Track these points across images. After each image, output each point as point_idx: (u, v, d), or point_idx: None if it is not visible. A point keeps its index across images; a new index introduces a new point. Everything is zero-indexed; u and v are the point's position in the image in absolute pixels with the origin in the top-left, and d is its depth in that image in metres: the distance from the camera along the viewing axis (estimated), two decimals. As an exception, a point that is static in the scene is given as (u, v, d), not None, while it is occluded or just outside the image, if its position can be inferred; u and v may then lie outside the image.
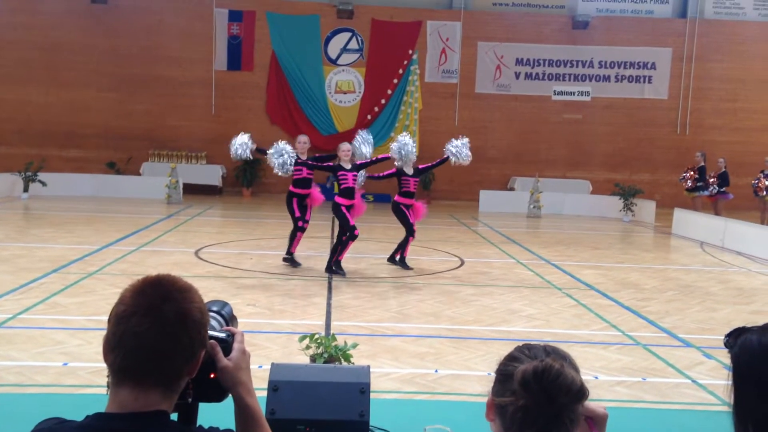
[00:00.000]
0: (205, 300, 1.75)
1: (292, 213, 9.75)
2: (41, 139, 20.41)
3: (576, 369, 1.47)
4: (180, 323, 1.42)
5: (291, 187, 9.80)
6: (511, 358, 1.50)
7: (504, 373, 1.48)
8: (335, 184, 9.91)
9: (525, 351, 1.50)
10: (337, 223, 9.75)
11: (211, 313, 1.69)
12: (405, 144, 9.83)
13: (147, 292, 1.44)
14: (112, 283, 8.05)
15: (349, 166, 9.47)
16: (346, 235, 9.29)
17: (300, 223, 9.71)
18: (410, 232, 9.84)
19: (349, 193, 9.42)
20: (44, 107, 20.65)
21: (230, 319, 1.72)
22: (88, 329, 6.16)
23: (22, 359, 5.41)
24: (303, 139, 10.08)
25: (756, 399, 1.50)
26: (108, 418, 1.39)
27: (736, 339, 1.58)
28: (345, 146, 9.64)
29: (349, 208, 9.40)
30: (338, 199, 9.44)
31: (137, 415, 1.38)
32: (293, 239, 9.77)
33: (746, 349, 1.54)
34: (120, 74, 20.76)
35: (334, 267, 9.31)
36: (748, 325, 1.62)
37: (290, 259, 9.79)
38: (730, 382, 1.56)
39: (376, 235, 10.94)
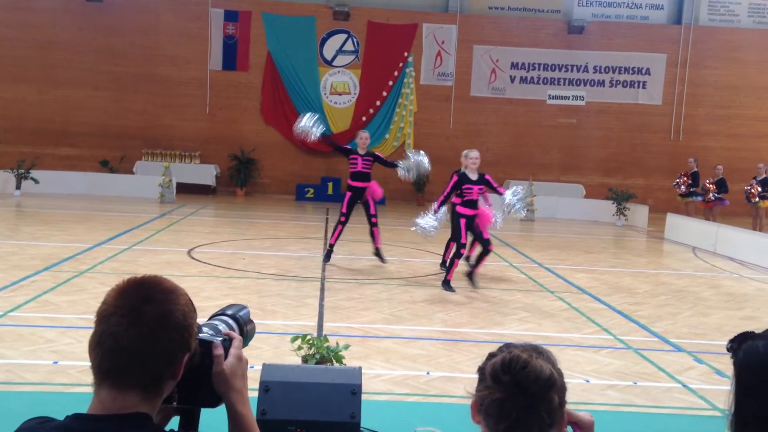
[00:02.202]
0: (213, 303, 1.73)
1: (341, 206, 10.05)
2: (35, 136, 20.35)
3: (551, 362, 1.48)
4: (159, 325, 1.40)
5: (349, 181, 10.05)
6: (490, 356, 1.52)
7: (482, 371, 1.49)
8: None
9: (503, 348, 1.51)
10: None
11: (224, 317, 1.67)
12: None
13: (129, 292, 1.43)
14: (103, 281, 8.01)
15: (475, 177, 8.77)
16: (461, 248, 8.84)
17: (342, 219, 9.94)
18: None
19: (472, 204, 8.80)
20: (38, 105, 20.58)
21: (245, 324, 1.70)
22: (79, 328, 6.14)
23: (12, 357, 5.38)
24: (364, 135, 10.27)
25: (760, 406, 1.49)
26: (86, 419, 1.38)
27: (740, 345, 1.56)
28: (473, 153, 8.90)
29: (470, 219, 8.84)
30: (459, 209, 8.85)
31: (115, 417, 1.37)
32: (334, 231, 10.09)
33: (752, 355, 1.53)
34: (115, 73, 20.71)
35: (443, 286, 8.80)
36: (754, 331, 1.61)
37: (327, 253, 10.12)
38: (731, 388, 1.54)
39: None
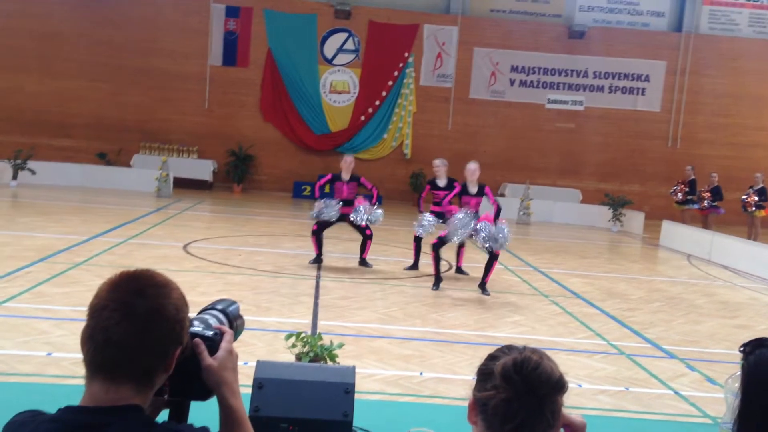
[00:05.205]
0: (207, 298, 1.74)
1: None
2: (32, 127, 20.29)
3: (554, 364, 1.48)
4: (151, 319, 1.40)
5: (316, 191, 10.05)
6: (491, 358, 1.52)
7: (485, 372, 1.49)
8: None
9: (505, 350, 1.52)
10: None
11: (214, 311, 1.67)
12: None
13: (121, 286, 1.43)
14: (98, 274, 7.99)
15: (475, 190, 9.07)
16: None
17: (314, 227, 9.93)
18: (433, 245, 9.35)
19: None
20: (36, 95, 20.53)
21: (234, 319, 1.71)
22: (73, 320, 6.12)
23: (5, 348, 5.37)
24: (348, 159, 10.11)
25: (764, 412, 1.51)
26: (79, 411, 1.38)
27: (753, 350, 1.59)
28: (472, 165, 9.18)
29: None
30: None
31: (108, 409, 1.37)
32: (312, 242, 10.08)
33: (761, 362, 1.55)
34: (114, 65, 20.67)
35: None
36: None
37: (316, 259, 10.00)
38: (726, 395, 1.58)
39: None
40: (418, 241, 10.04)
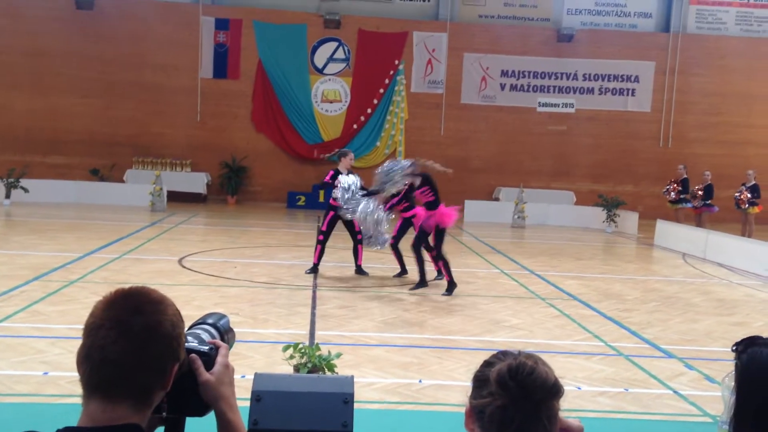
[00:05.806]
0: (204, 312, 1.73)
1: (321, 224, 10.13)
2: (24, 145, 20.23)
3: (550, 369, 1.49)
4: (148, 337, 1.39)
5: (331, 201, 10.01)
6: (486, 364, 1.52)
7: (480, 379, 1.49)
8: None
9: (500, 356, 1.52)
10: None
11: (205, 326, 1.67)
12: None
13: (117, 304, 1.42)
14: (94, 291, 7.97)
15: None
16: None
17: (321, 237, 10.02)
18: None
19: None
20: (28, 113, 20.47)
21: (225, 332, 1.70)
22: (70, 338, 6.10)
23: (1, 368, 5.34)
24: (351, 155, 10.41)
25: (758, 410, 1.52)
26: (77, 431, 1.38)
27: (746, 349, 1.60)
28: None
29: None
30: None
31: (105, 429, 1.36)
32: (315, 250, 10.13)
33: (754, 361, 1.56)
34: (105, 80, 20.64)
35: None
36: (761, 336, 1.64)
37: (312, 269, 10.03)
38: (723, 393, 1.60)
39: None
40: (395, 248, 10.00)
